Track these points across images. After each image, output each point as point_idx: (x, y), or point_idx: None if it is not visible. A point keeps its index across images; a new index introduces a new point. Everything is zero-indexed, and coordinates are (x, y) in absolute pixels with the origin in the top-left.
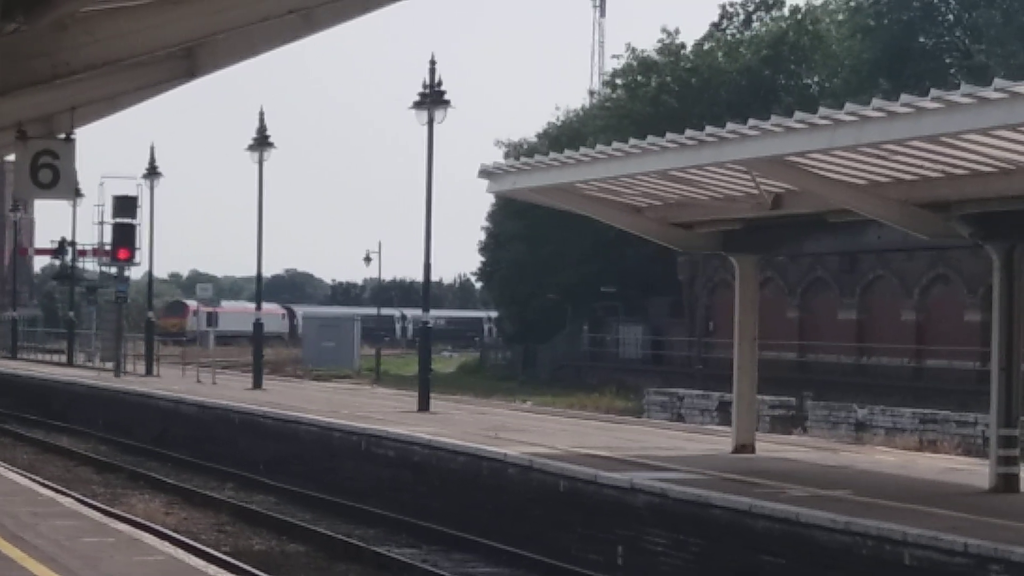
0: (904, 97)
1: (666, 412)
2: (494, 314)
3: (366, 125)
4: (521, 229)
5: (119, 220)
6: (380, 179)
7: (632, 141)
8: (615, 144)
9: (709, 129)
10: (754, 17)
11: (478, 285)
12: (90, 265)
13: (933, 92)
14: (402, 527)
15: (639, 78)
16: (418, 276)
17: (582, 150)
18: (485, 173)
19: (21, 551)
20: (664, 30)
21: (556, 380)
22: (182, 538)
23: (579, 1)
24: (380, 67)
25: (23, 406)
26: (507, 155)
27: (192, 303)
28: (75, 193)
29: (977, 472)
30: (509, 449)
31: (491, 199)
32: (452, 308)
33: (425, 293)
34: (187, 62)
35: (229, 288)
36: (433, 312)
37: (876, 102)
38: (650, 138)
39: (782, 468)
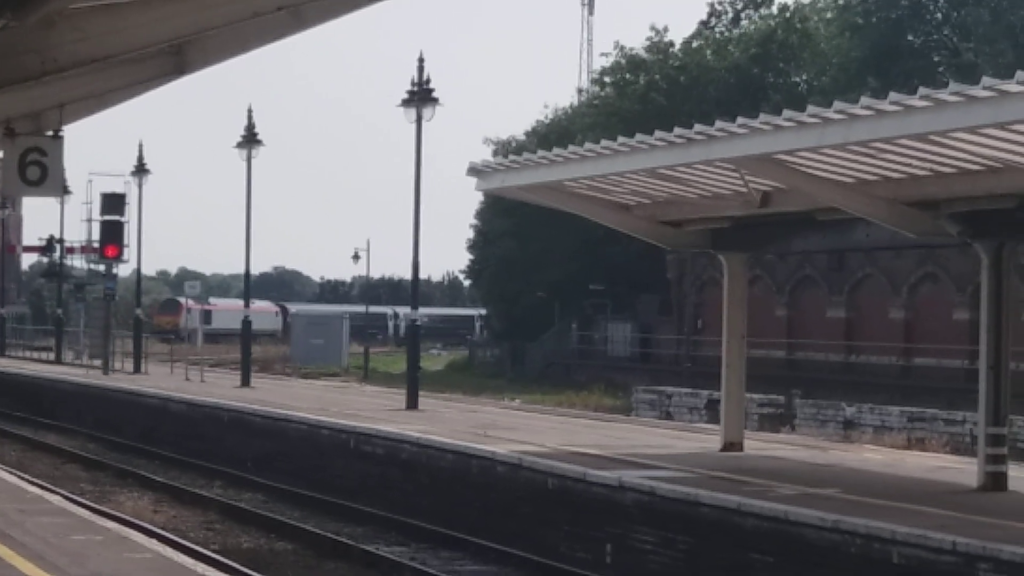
0: (892, 95)
1: (655, 410)
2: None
3: (355, 123)
4: (510, 227)
5: (107, 217)
6: (369, 177)
7: (621, 139)
8: (604, 142)
9: (698, 127)
10: (742, 15)
11: (466, 283)
12: (78, 262)
13: (921, 90)
14: (391, 525)
15: (628, 76)
16: (406, 274)
17: (571, 148)
18: (474, 171)
19: (8, 549)
20: (653, 28)
21: (545, 378)
22: (170, 536)
23: None
24: (369, 65)
25: (11, 404)
26: (496, 153)
27: (186, 301)
28: (63, 190)
29: (965, 470)
30: (498, 447)
31: (480, 197)
32: (440, 306)
33: (414, 291)
34: (176, 59)
35: (217, 286)
36: (424, 310)
37: (864, 100)
38: (639, 136)
39: (770, 466)
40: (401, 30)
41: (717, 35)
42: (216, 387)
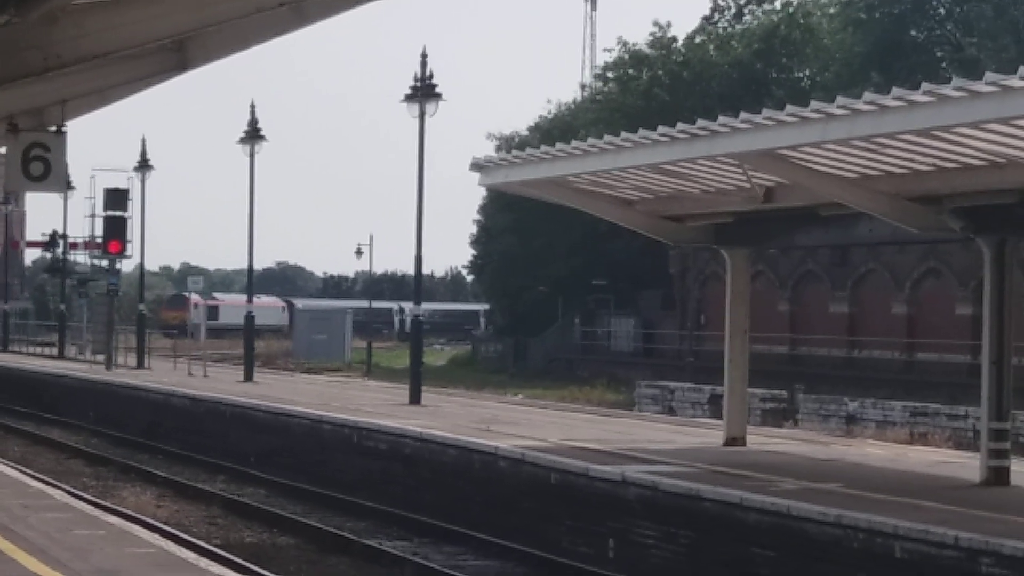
0: (895, 91)
1: (657, 405)
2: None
3: (358, 119)
4: (512, 222)
5: (110, 213)
6: (372, 172)
7: (623, 134)
8: (606, 137)
9: (700, 122)
10: (745, 10)
11: (469, 278)
12: (81, 258)
13: (924, 86)
14: (393, 520)
15: (630, 71)
16: (409, 269)
17: (573, 143)
18: (476, 166)
19: (11, 543)
20: (655, 23)
21: (547, 373)
22: (173, 530)
23: None
24: (372, 61)
25: (14, 399)
26: (498, 148)
27: (194, 296)
28: (66, 186)
29: (968, 465)
30: (500, 442)
31: (482, 192)
32: (443, 301)
33: (417, 286)
34: (178, 55)
35: (220, 281)
36: (429, 305)
37: (867, 96)
38: (641, 131)
39: (773, 461)
40: (403, 26)
41: (720, 30)
42: (219, 382)
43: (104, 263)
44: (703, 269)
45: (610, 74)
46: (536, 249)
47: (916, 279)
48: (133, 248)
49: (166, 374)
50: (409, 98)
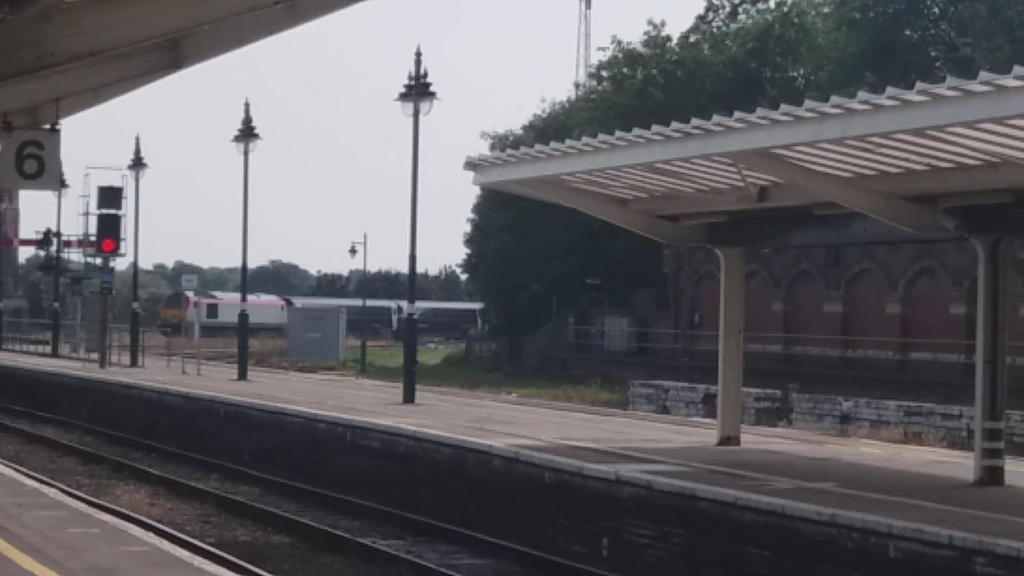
0: (890, 90)
1: (651, 404)
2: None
3: (352, 117)
4: (506, 221)
5: (104, 211)
6: (366, 171)
7: (618, 133)
8: (601, 136)
9: (695, 121)
10: (740, 10)
11: (463, 277)
12: (75, 256)
13: (919, 85)
14: (387, 519)
15: (625, 70)
16: (403, 268)
17: (568, 142)
18: (471, 165)
19: (5, 542)
20: (650, 22)
21: (541, 372)
22: (167, 529)
23: None
24: (366, 59)
25: (8, 397)
26: (493, 147)
27: (193, 295)
28: (60, 184)
29: (962, 465)
30: (495, 441)
31: (476, 191)
32: (437, 300)
33: (411, 285)
34: (172, 53)
35: (214, 279)
36: (424, 304)
37: (862, 95)
38: (636, 130)
39: (767, 460)
40: (398, 24)
41: (714, 30)
42: (213, 380)
43: (98, 261)
44: (697, 268)
45: (604, 73)
46: (531, 248)
47: (910, 278)
48: (127, 246)
49: (160, 372)
50: (403, 96)
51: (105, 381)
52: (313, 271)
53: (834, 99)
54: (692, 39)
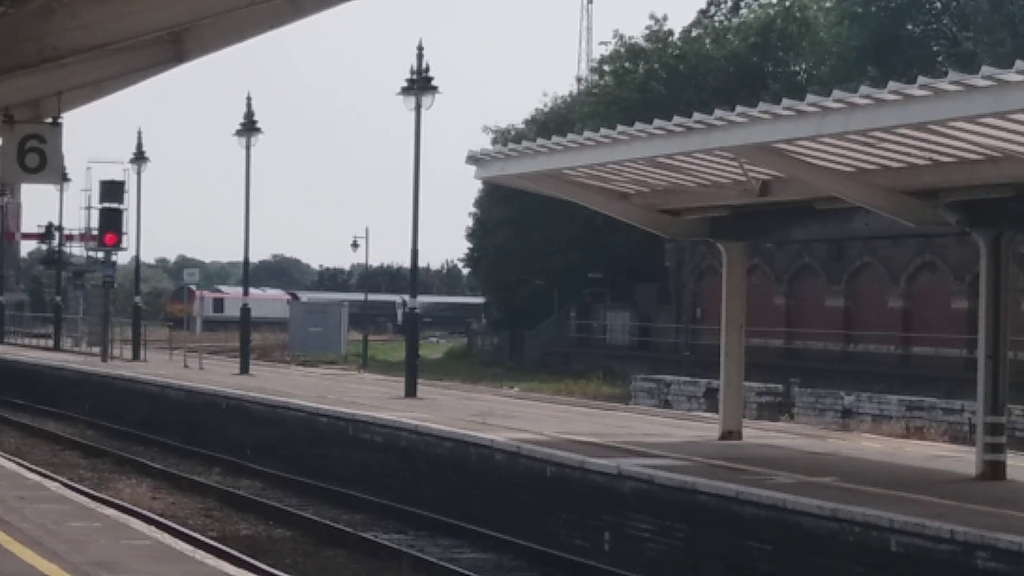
0: (892, 84)
1: (653, 398)
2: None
3: (354, 111)
4: (508, 215)
5: (106, 205)
6: (367, 165)
7: (620, 128)
8: (603, 130)
9: (696, 116)
10: (742, 4)
11: (465, 271)
12: (77, 250)
13: (921, 80)
14: (389, 513)
15: (627, 64)
16: (405, 262)
17: (569, 136)
18: (473, 159)
19: (7, 535)
20: (652, 16)
21: (543, 366)
22: (169, 523)
23: None
24: (368, 53)
25: (10, 390)
26: (495, 141)
27: (201, 289)
28: (62, 177)
29: (964, 459)
30: (496, 435)
31: (478, 185)
32: (439, 294)
33: (413, 279)
34: (174, 47)
35: (216, 273)
36: (428, 298)
37: (864, 89)
38: (637, 125)
39: (769, 455)
40: (400, 19)
41: (716, 24)
42: (214, 374)
43: (100, 255)
44: (699, 263)
45: (606, 67)
46: (532, 242)
47: (912, 273)
48: (129, 240)
49: (162, 366)
50: (405, 91)
51: (107, 375)
52: (315, 265)
53: (836, 93)
54: (694, 33)
